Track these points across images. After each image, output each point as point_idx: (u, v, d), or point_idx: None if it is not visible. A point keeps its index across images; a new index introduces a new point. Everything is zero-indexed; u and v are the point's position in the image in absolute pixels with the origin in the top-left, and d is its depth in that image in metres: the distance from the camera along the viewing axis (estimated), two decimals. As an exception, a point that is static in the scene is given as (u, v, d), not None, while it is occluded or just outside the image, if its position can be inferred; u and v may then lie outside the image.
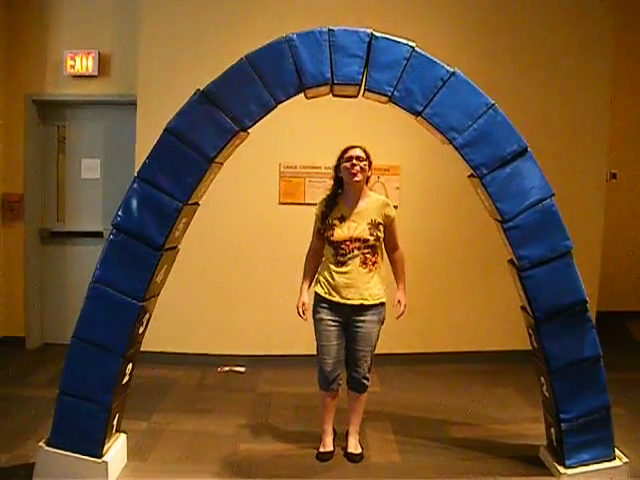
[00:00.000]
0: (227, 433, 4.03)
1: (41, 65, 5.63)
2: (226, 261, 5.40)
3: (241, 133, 3.31)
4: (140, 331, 3.39)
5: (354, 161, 3.47)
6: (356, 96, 3.53)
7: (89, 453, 3.25)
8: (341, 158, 3.56)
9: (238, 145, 3.51)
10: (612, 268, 6.26)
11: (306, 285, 3.69)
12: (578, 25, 5.55)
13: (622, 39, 6.15)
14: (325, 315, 3.57)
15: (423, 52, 3.28)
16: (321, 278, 3.63)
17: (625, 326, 6.61)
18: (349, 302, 3.51)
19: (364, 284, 3.50)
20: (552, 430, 3.53)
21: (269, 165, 5.34)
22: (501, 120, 3.28)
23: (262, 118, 3.29)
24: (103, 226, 5.68)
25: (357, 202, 3.56)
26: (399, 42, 3.28)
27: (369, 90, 3.31)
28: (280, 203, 5.39)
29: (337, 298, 3.52)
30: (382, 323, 3.63)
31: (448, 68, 3.27)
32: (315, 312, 3.62)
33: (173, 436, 3.96)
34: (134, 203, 3.24)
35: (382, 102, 3.41)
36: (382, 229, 3.55)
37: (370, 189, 3.69)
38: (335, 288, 3.52)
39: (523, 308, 3.54)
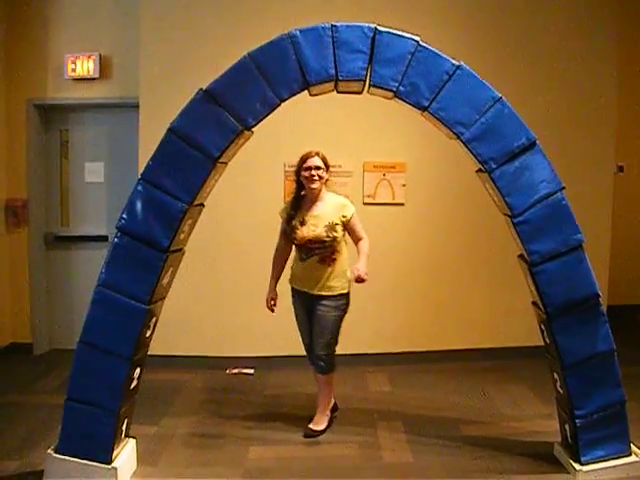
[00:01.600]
0: (237, 436, 4.00)
1: (42, 69, 5.60)
2: (233, 262, 5.37)
3: (245, 132, 3.28)
4: (147, 335, 3.36)
5: (312, 171, 3.85)
6: (361, 92, 3.50)
7: (98, 459, 3.22)
8: (300, 166, 3.91)
9: (242, 144, 3.48)
10: (621, 261, 6.19)
11: (274, 282, 4.12)
12: (583, 18, 5.51)
13: (628, 33, 6.11)
14: (295, 301, 4.10)
15: (428, 46, 3.24)
16: (291, 271, 4.11)
17: (636, 319, 6.55)
18: (310, 292, 3.95)
19: (322, 278, 3.91)
20: (566, 427, 3.49)
21: (274, 165, 5.31)
22: (508, 113, 3.25)
23: (266, 116, 3.28)
24: (108, 230, 5.63)
25: (316, 205, 3.94)
26: (403, 36, 3.25)
27: (374, 86, 3.29)
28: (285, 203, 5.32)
29: (301, 287, 4.01)
30: (343, 312, 4.00)
31: (453, 62, 3.24)
32: (292, 298, 4.11)
33: (183, 440, 3.94)
34: (138, 205, 3.21)
35: (387, 98, 3.38)
36: (339, 229, 3.87)
37: (328, 190, 4.01)
38: (300, 280, 4.01)
39: (534, 303, 3.50)
